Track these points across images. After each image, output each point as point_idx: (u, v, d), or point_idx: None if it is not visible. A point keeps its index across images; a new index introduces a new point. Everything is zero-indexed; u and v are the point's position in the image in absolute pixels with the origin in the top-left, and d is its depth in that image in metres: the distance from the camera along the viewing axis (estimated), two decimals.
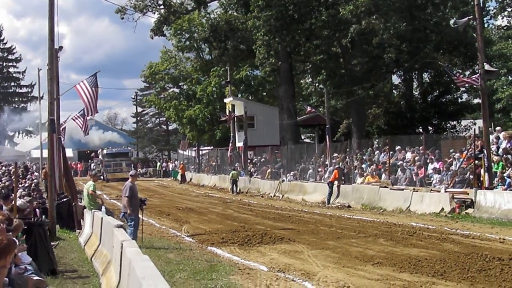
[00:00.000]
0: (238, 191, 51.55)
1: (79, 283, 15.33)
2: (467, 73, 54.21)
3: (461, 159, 33.35)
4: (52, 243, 18.60)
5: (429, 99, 63.91)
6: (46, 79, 28.48)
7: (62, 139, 34.34)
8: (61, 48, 33.33)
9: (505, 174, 29.36)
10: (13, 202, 18.10)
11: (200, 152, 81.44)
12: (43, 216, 23.45)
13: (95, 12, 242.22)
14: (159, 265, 16.38)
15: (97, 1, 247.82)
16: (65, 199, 27.91)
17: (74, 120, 35.42)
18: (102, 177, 71.51)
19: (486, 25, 60.41)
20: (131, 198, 21.44)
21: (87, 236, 22.06)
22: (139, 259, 9.95)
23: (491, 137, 32.75)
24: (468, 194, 29.39)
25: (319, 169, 46.97)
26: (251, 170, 57.62)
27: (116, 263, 13.09)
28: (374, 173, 39.04)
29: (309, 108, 57.08)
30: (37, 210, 22.60)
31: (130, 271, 9.98)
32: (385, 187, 35.27)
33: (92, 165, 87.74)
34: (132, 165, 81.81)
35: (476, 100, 61.29)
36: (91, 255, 18.47)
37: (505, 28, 58.88)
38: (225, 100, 65.48)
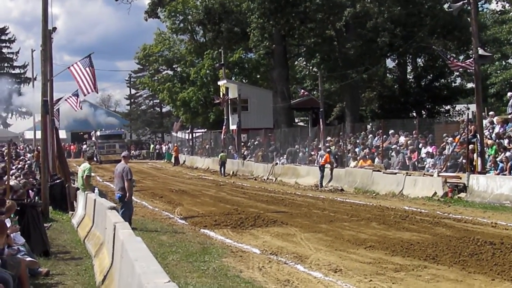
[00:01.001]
0: (224, 173, 52.39)
1: (72, 264, 15.34)
2: (461, 57, 54.17)
3: (454, 144, 33.41)
4: (45, 225, 18.60)
5: (423, 83, 63.95)
6: (40, 60, 28.37)
7: (56, 120, 34.30)
8: (54, 29, 33.32)
9: (497, 159, 29.43)
10: (6, 183, 18.11)
11: (194, 134, 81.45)
12: (36, 198, 23.46)
13: None
14: (152, 247, 16.40)
15: None
16: (58, 181, 27.90)
17: (66, 100, 35.44)
18: (95, 159, 71.23)
19: (480, 10, 60.34)
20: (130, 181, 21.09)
21: (80, 218, 22.06)
22: (132, 241, 9.96)
23: (485, 121, 32.84)
24: (460, 178, 29.49)
25: (312, 153, 47.00)
26: (245, 153, 57.66)
27: (109, 244, 13.11)
28: (367, 156, 39.11)
29: (302, 91, 57.03)
30: (30, 191, 22.61)
31: (122, 253, 10.00)
32: (378, 171, 35.35)
33: (84, 146, 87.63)
34: (126, 147, 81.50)
35: (470, 85, 61.36)
36: (84, 237, 18.49)
37: (499, 12, 58.87)
38: (219, 83, 65.33)
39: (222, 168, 53.03)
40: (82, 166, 24.73)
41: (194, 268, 14.72)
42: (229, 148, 61.19)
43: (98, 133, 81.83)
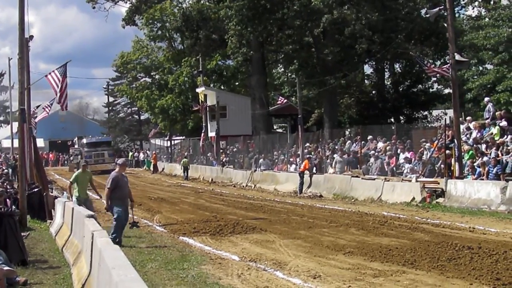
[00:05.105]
0: (188, 177, 56.16)
1: (50, 273, 15.24)
2: (438, 63, 54.36)
3: (432, 149, 33.55)
4: (23, 234, 18.49)
5: (401, 89, 64.23)
6: (16, 69, 28.24)
7: (34, 129, 34.12)
8: (31, 37, 33.06)
9: (475, 164, 29.62)
10: None
11: (172, 142, 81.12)
12: (13, 207, 23.30)
13: (64, 0, 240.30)
14: (130, 255, 16.36)
15: None
16: (36, 189, 27.74)
17: (44, 109, 35.33)
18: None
19: (457, 15, 60.63)
20: (114, 191, 19.82)
21: (58, 226, 21.93)
22: (110, 249, 9.91)
23: (462, 127, 32.99)
24: (438, 183, 29.63)
25: (291, 159, 47.13)
26: (223, 160, 57.67)
27: (87, 253, 13.04)
28: None
29: (280, 99, 56.96)
30: (7, 200, 22.46)
31: (100, 261, 9.95)
32: (357, 176, 35.44)
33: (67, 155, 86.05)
34: (114, 155, 76.92)
35: (447, 90, 61.54)
36: (62, 245, 18.38)
37: (475, 18, 59.19)
38: (197, 90, 65.22)
39: (185, 173, 57.00)
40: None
41: (173, 275, 14.67)
42: (208, 155, 61.20)
43: (85, 141, 76.26)
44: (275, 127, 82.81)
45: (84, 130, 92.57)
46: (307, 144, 46.15)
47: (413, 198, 29.54)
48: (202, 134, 62.66)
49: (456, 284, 13.28)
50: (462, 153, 30.40)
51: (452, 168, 30.40)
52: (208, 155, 61.27)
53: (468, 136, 33.42)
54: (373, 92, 67.87)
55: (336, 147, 43.57)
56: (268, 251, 17.88)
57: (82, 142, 77.35)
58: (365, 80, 71.69)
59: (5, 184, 28.83)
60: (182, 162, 58.45)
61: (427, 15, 36.22)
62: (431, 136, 36.75)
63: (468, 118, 37.36)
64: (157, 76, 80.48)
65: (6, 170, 43.02)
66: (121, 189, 20.04)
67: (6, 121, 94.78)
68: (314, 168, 40.39)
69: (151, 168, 71.89)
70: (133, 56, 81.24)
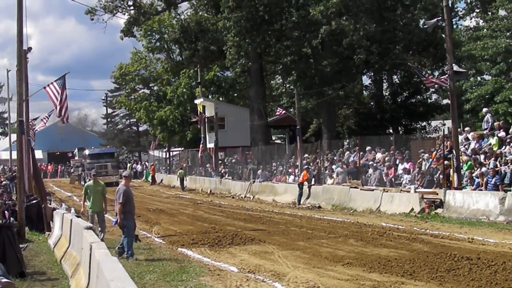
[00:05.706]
0: (184, 188, 57.37)
1: (48, 285, 15.22)
2: (436, 73, 54.46)
3: (431, 160, 33.54)
4: (21, 245, 18.46)
5: (399, 100, 64.23)
6: (14, 80, 28.24)
7: (32, 141, 34.07)
8: (30, 49, 33.04)
9: (473, 174, 29.62)
10: None
11: (171, 153, 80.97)
12: (12, 218, 23.28)
13: (62, 12, 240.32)
14: (129, 266, 16.33)
15: (64, 1, 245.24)
16: (34, 201, 27.68)
17: (42, 120, 35.35)
18: (83, 182, 62.18)
19: (455, 26, 60.70)
20: (125, 205, 19.37)
21: (56, 238, 21.90)
22: (108, 261, 9.90)
23: (460, 137, 33.00)
24: (437, 194, 29.63)
25: (289, 170, 47.12)
26: (222, 171, 57.67)
27: (85, 265, 13.04)
28: None
29: (279, 110, 56.77)
30: (5, 212, 22.43)
31: (98, 273, 9.94)
32: (356, 187, 35.41)
33: (65, 167, 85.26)
34: (118, 167, 74.30)
35: (445, 101, 61.57)
36: (61, 257, 18.36)
37: (473, 29, 59.30)
38: (196, 101, 65.23)
39: (182, 184, 58.19)
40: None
41: (171, 287, 14.65)
42: (207, 166, 61.14)
43: (87, 152, 73.35)
44: (273, 138, 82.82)
45: (83, 142, 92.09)
46: (306, 155, 46.13)
47: (412, 209, 29.51)
48: (201, 145, 62.64)
49: None
50: (461, 164, 30.42)
51: (450, 179, 30.40)
52: (207, 166, 61.19)
53: (466, 146, 33.43)
54: (372, 103, 67.94)
55: (335, 158, 43.56)
56: (266, 262, 17.86)
57: (84, 154, 74.48)
58: (364, 91, 71.78)
59: (3, 196, 28.81)
60: (178, 174, 59.47)
61: (425, 26, 36.31)
62: (430, 146, 36.76)
63: (467, 128, 37.37)
64: (155, 88, 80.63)
65: (4, 182, 42.93)
66: (131, 202, 19.74)
67: (5, 133, 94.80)
68: (313, 179, 40.40)
69: (150, 180, 71.76)
70: (131, 68, 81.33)
